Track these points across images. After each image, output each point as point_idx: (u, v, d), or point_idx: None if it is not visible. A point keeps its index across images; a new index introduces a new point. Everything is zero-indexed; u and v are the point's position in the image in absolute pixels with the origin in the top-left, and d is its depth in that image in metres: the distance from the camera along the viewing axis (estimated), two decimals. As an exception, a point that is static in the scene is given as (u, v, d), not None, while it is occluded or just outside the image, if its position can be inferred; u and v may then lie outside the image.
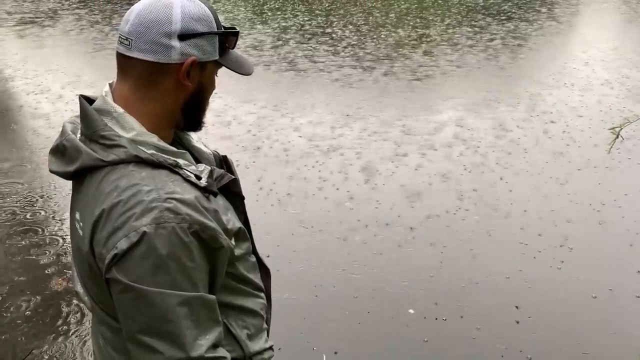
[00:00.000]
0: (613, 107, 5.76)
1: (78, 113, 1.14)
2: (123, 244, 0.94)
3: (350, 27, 9.63)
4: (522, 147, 4.93)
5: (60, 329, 2.95)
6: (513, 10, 10.71)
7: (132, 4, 1.10)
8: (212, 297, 1.03)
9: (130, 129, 1.05)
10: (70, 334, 2.92)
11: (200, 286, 1.01)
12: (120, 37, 1.05)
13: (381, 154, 4.85)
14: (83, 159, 1.03)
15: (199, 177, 1.06)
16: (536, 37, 8.78)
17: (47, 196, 4.30)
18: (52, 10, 11.23)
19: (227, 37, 1.11)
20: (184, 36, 1.04)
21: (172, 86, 1.07)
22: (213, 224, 1.01)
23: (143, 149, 1.03)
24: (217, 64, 1.12)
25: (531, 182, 4.35)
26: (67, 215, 3.99)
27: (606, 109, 5.73)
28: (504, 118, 5.59)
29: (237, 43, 1.16)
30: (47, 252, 3.59)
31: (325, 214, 3.96)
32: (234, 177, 1.17)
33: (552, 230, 3.70)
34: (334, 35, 8.90)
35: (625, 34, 9.45)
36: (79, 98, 1.08)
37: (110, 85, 1.12)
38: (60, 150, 1.08)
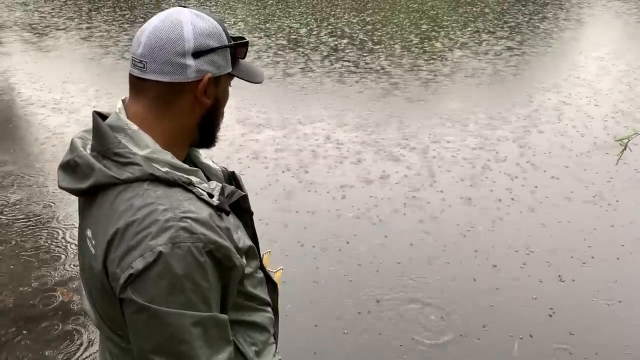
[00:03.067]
0: None
1: (87, 128, 1.14)
2: (139, 264, 0.93)
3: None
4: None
5: (69, 346, 2.94)
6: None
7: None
8: (224, 317, 1.03)
9: (145, 147, 1.04)
10: (80, 351, 2.91)
11: (213, 306, 1.00)
12: (133, 59, 1.05)
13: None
14: (97, 176, 1.01)
15: (211, 195, 1.05)
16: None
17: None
18: (62, 21, 11.32)
19: (237, 48, 1.11)
20: (197, 53, 1.04)
21: (189, 104, 1.08)
22: (227, 243, 1.01)
23: (157, 166, 1.03)
24: (230, 76, 1.13)
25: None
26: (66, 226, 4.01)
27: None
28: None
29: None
30: (53, 265, 3.60)
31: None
32: (243, 193, 1.17)
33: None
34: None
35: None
36: (93, 114, 1.07)
37: (123, 101, 1.11)
38: (71, 167, 1.07)
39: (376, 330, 2.98)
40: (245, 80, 1.15)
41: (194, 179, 1.06)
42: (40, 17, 11.81)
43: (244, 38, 1.14)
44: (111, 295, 1.00)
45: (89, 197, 1.06)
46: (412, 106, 6.34)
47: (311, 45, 9.07)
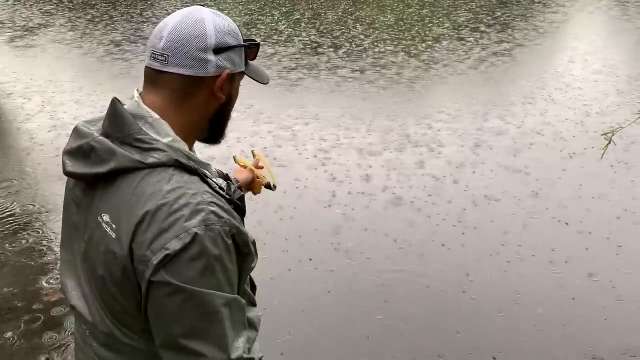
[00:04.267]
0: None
1: (89, 118, 1.15)
2: (175, 245, 0.95)
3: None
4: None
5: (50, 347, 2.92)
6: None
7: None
8: (244, 301, 1.06)
9: (166, 135, 1.07)
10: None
11: (235, 289, 1.04)
12: (153, 53, 1.08)
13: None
14: (119, 161, 1.02)
15: (222, 189, 1.09)
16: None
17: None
18: (44, 18, 11.18)
19: (250, 49, 1.16)
20: (218, 50, 1.08)
21: (206, 99, 1.11)
22: (246, 230, 1.05)
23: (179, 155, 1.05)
24: (242, 75, 1.17)
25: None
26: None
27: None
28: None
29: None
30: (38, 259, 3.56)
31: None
32: (243, 193, 1.22)
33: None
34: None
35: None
36: (114, 100, 1.08)
37: (138, 92, 1.13)
38: (83, 152, 1.06)
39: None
40: (255, 80, 1.20)
41: (207, 172, 1.10)
42: (21, 14, 11.66)
43: (255, 40, 1.18)
44: (131, 281, 1.00)
45: (103, 182, 1.05)
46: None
47: (303, 41, 9.11)
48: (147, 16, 11.48)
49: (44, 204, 4.33)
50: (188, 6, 1.14)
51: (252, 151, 1.78)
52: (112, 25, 10.69)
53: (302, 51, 8.88)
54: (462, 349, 2.90)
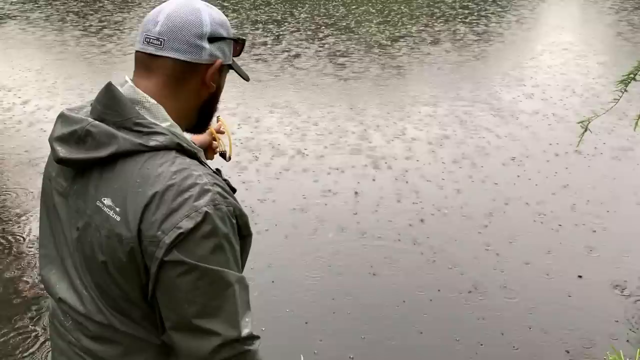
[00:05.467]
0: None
1: (73, 104, 1.14)
2: (187, 224, 0.96)
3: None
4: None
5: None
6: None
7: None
8: (247, 281, 1.08)
9: (164, 120, 1.08)
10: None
11: (240, 269, 1.06)
12: (147, 37, 1.08)
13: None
14: (120, 144, 1.01)
15: (217, 172, 1.12)
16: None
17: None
18: (13, 7, 10.89)
19: (237, 44, 1.19)
20: (212, 39, 1.10)
21: (197, 86, 1.13)
22: (245, 212, 1.08)
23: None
24: (228, 68, 1.20)
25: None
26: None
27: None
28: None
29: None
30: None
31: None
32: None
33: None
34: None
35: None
36: (110, 84, 1.07)
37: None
38: (78, 137, 1.04)
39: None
40: (240, 75, 1.23)
41: (201, 157, 1.11)
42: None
43: (242, 37, 1.22)
44: (137, 264, 0.99)
45: (99, 167, 1.04)
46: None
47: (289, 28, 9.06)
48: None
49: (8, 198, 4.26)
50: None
51: (218, 116, 1.69)
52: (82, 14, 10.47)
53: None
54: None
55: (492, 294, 3.24)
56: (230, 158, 1.64)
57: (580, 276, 3.41)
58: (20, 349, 2.81)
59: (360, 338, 2.92)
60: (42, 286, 3.12)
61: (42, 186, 1.19)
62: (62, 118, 1.10)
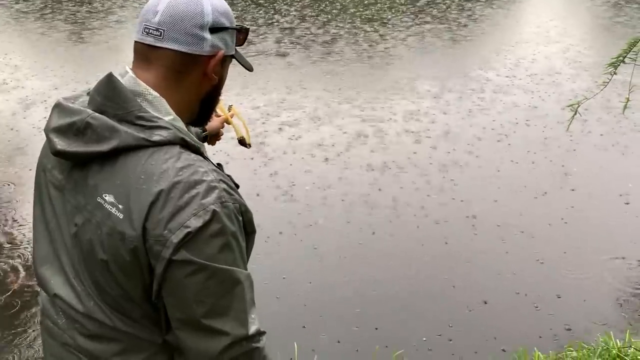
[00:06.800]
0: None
1: (69, 94, 1.09)
2: (195, 222, 0.93)
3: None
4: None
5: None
6: None
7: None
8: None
9: (167, 113, 1.04)
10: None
11: (246, 266, 1.04)
12: (146, 27, 1.04)
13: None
14: (122, 138, 0.98)
15: (219, 166, 1.09)
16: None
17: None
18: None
19: (239, 34, 1.14)
20: (214, 29, 1.06)
21: (198, 78, 1.09)
22: (249, 209, 1.05)
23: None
24: (231, 59, 1.15)
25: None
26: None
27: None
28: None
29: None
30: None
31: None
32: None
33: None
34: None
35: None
36: (111, 75, 1.03)
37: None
38: (77, 129, 0.99)
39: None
40: (243, 65, 1.19)
41: (204, 152, 1.09)
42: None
43: (245, 26, 1.17)
44: (141, 263, 0.97)
45: (99, 161, 1.00)
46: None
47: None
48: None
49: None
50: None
51: (230, 106, 1.66)
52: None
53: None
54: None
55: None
56: (250, 145, 1.61)
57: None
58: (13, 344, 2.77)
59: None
60: (31, 282, 3.12)
61: (36, 179, 1.14)
62: (59, 108, 1.05)
